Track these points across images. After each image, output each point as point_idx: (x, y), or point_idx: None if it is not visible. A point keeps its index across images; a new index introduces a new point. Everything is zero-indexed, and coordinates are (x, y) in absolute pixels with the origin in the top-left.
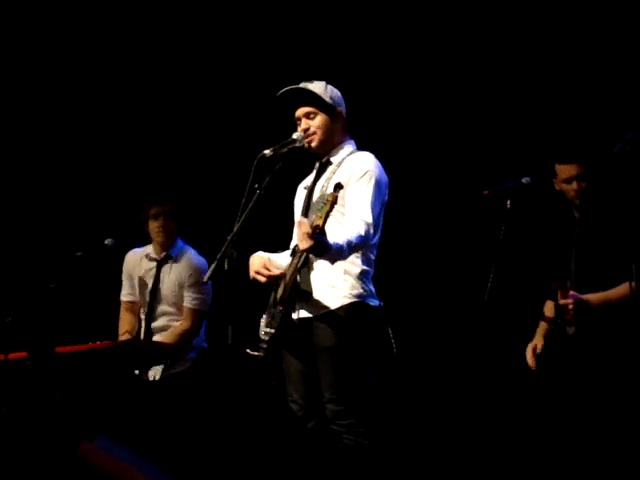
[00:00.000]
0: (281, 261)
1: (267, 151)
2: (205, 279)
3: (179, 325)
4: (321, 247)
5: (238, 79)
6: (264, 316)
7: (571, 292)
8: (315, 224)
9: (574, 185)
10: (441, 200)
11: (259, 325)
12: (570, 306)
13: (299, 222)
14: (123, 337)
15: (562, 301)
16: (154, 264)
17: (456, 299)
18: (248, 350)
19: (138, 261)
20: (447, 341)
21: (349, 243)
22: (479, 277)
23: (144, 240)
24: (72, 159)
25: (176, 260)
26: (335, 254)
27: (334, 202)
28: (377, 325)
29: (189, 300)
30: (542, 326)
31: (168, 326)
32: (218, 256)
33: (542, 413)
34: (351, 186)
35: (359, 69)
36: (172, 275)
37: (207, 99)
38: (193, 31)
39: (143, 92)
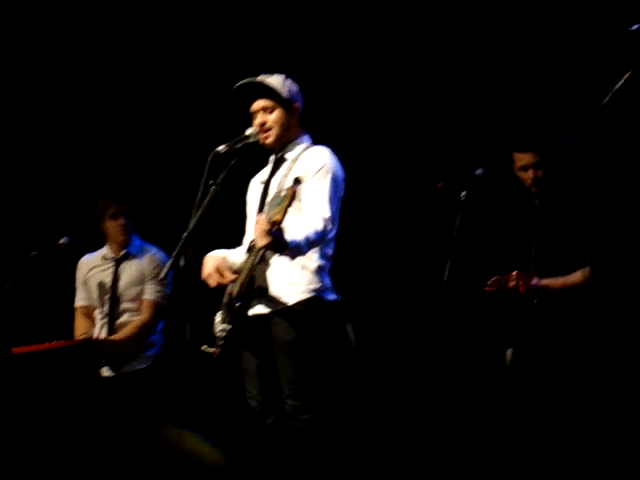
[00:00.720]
0: (236, 258)
1: (221, 147)
2: (162, 275)
3: (138, 318)
4: (279, 244)
5: (193, 73)
6: (219, 313)
7: (534, 278)
8: (274, 219)
9: (530, 173)
10: (396, 193)
11: (214, 322)
12: (518, 282)
13: (257, 219)
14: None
15: (511, 283)
16: (112, 264)
17: (413, 291)
18: (204, 347)
19: (93, 265)
20: (406, 334)
21: (307, 239)
22: (436, 269)
23: (99, 238)
24: (26, 156)
25: (136, 257)
26: (294, 250)
27: (293, 197)
28: (335, 319)
29: (150, 292)
30: None
31: (129, 322)
32: (174, 253)
33: (509, 399)
34: (308, 181)
35: (315, 62)
36: (133, 271)
37: (161, 94)
38: (150, 25)
39: (95, 87)
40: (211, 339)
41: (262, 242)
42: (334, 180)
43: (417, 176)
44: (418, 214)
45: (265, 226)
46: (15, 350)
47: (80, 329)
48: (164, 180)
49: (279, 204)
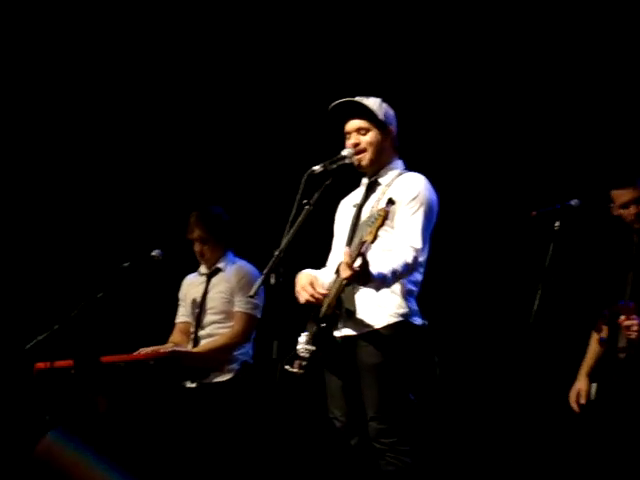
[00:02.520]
0: (325, 278)
1: (317, 167)
2: (252, 293)
3: (228, 330)
4: (364, 276)
5: (289, 94)
6: (304, 333)
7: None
8: (364, 239)
9: (632, 209)
10: (489, 220)
11: (298, 342)
12: (635, 327)
13: (344, 252)
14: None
15: (627, 322)
16: (204, 279)
17: (502, 321)
18: (287, 367)
19: (191, 282)
20: (491, 363)
21: (394, 272)
22: (526, 299)
23: (192, 253)
24: (123, 170)
25: (225, 270)
26: (378, 283)
27: (386, 217)
28: (421, 344)
29: (240, 304)
30: (586, 364)
31: (216, 334)
32: (265, 271)
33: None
34: (401, 208)
35: (408, 87)
36: (221, 284)
37: (259, 114)
38: (244, 44)
39: (195, 106)
40: (295, 359)
41: (344, 274)
42: (428, 209)
43: (511, 203)
44: (511, 242)
45: (348, 259)
46: (104, 359)
47: (173, 341)
48: (259, 198)
49: (370, 225)
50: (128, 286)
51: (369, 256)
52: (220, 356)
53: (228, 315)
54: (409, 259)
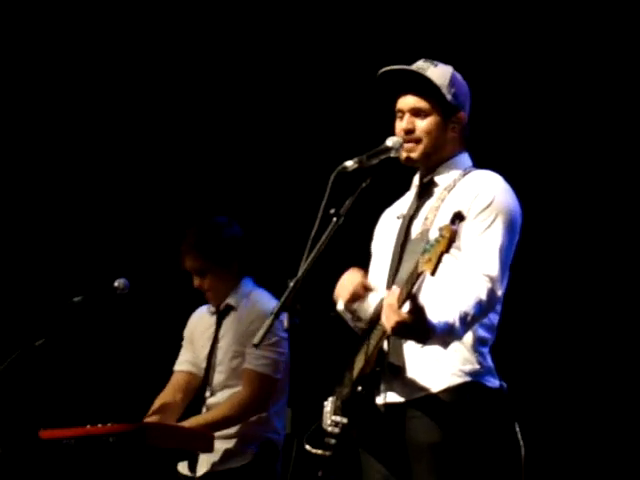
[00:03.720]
0: (369, 304)
1: (350, 162)
2: (256, 340)
3: (233, 396)
4: (418, 329)
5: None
6: (330, 399)
7: None
8: (421, 269)
9: None
10: (595, 239)
11: (323, 412)
12: None
13: (386, 295)
14: (150, 417)
15: None
16: (214, 320)
17: (609, 383)
18: (308, 447)
19: (200, 321)
20: (595, 440)
21: (464, 318)
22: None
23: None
24: (80, 172)
25: (237, 309)
26: (443, 337)
27: (452, 239)
28: (498, 414)
29: (251, 359)
30: None
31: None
32: (275, 309)
33: None
34: (470, 222)
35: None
36: (232, 330)
37: (271, 96)
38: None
39: (170, 98)
40: (319, 435)
41: (391, 322)
42: (508, 223)
43: (624, 216)
44: (625, 267)
45: (393, 300)
46: (45, 434)
47: (161, 398)
48: (268, 205)
49: (429, 250)
50: (80, 329)
51: (426, 295)
52: (223, 428)
53: (241, 375)
54: (483, 294)
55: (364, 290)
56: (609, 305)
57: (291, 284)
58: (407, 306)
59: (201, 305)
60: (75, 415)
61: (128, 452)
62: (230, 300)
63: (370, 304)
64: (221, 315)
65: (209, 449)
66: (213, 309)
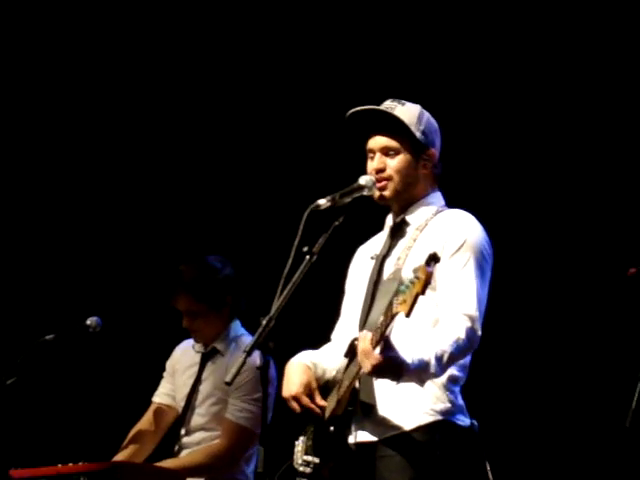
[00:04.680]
0: (329, 363)
1: (323, 201)
2: (228, 379)
3: (213, 444)
4: (393, 367)
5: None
6: (301, 438)
7: None
8: (396, 310)
9: None
10: (568, 277)
11: (294, 451)
12: None
13: (360, 336)
14: (121, 454)
15: None
16: (198, 359)
17: (586, 420)
18: None
19: (184, 356)
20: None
21: (440, 356)
22: (620, 392)
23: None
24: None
25: (224, 354)
26: (417, 373)
27: (428, 281)
28: (469, 453)
29: (232, 411)
30: None
31: (202, 445)
32: (248, 347)
33: None
34: (444, 264)
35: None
36: (216, 375)
37: (242, 126)
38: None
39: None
40: (290, 475)
41: (367, 367)
42: (482, 261)
43: (599, 256)
44: (599, 308)
45: (366, 344)
46: (15, 474)
47: (134, 440)
48: (239, 242)
49: (403, 291)
50: (52, 368)
51: (399, 335)
52: (192, 477)
53: (220, 421)
54: (462, 334)
55: (312, 395)
56: (575, 344)
57: (264, 322)
58: (379, 348)
59: (178, 341)
60: (46, 454)
61: None
62: (218, 345)
63: (331, 364)
64: (206, 356)
65: None
66: (198, 347)
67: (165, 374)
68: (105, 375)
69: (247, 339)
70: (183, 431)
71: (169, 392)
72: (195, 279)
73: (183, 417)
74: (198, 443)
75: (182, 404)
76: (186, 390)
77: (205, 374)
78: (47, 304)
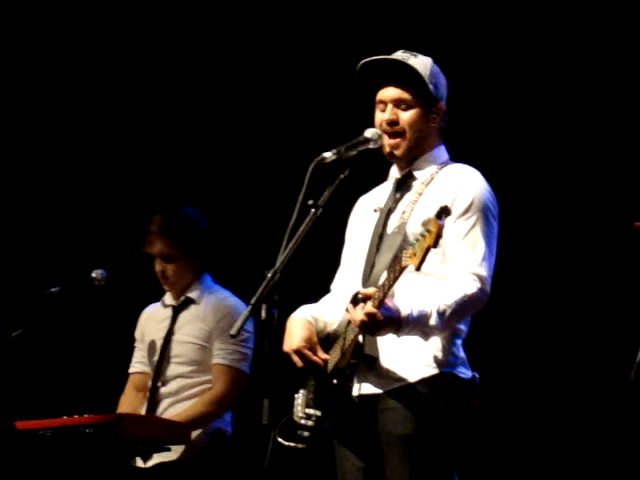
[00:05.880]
0: (331, 316)
1: (328, 154)
2: (234, 331)
3: (210, 391)
4: (388, 322)
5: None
6: (302, 392)
7: None
8: (405, 263)
9: None
10: (572, 232)
11: (294, 404)
12: None
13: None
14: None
15: None
16: (169, 313)
17: (588, 374)
18: (281, 440)
19: (151, 317)
20: (575, 432)
21: (443, 311)
22: (624, 346)
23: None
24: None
25: (199, 303)
26: (418, 326)
27: (439, 234)
28: (471, 405)
29: (223, 355)
30: None
31: (182, 394)
32: (253, 300)
33: None
34: (452, 224)
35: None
36: (193, 323)
37: (245, 81)
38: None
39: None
40: (291, 428)
41: (356, 322)
42: (489, 220)
43: (604, 210)
44: (602, 263)
45: (371, 295)
46: (21, 424)
47: (125, 405)
48: (243, 196)
49: (413, 244)
50: (57, 320)
51: (407, 287)
52: (201, 427)
53: (200, 367)
54: (470, 291)
55: (313, 349)
56: (581, 296)
57: (269, 275)
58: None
59: (151, 303)
60: (52, 406)
61: (105, 443)
62: (191, 293)
63: (333, 317)
64: (178, 308)
65: (186, 440)
66: (170, 302)
67: (135, 344)
68: (110, 328)
69: (221, 290)
70: (159, 383)
71: (141, 359)
72: (170, 223)
73: (158, 369)
74: (177, 392)
75: (156, 358)
76: (160, 343)
77: (179, 324)
78: (52, 257)
